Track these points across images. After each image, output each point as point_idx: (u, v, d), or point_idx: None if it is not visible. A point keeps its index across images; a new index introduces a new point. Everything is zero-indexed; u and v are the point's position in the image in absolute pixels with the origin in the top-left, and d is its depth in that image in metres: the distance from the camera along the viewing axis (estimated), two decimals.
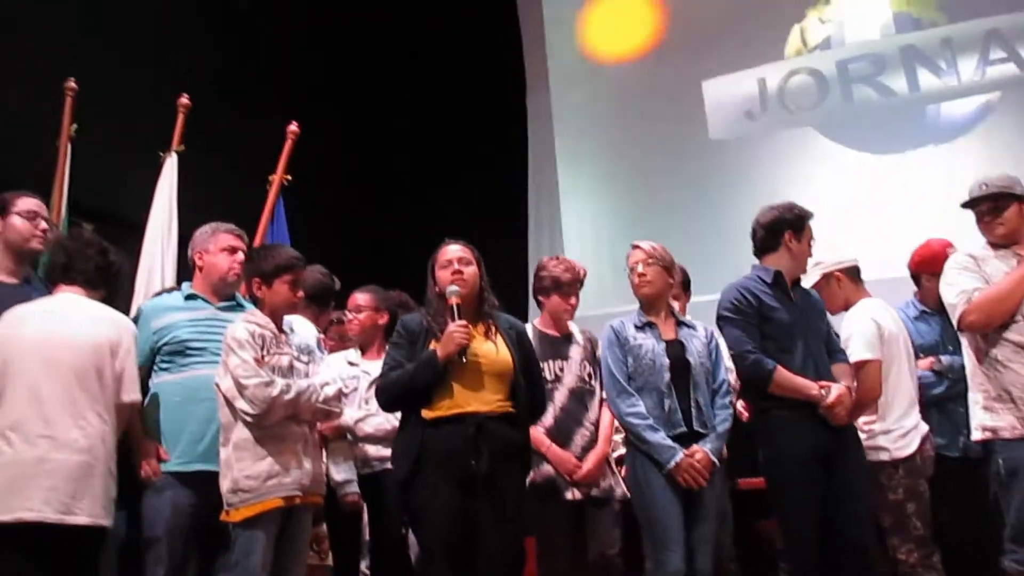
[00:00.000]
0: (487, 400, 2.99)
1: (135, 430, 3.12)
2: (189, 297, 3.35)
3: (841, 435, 3.19)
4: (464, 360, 2.96)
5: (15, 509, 2.74)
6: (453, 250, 3.16)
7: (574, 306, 3.64)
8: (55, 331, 2.93)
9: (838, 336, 3.45)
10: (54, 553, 2.79)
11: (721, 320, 3.33)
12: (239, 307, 3.35)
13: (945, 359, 3.74)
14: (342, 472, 3.61)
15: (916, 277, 3.97)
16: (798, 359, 3.22)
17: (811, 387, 3.16)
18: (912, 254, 3.98)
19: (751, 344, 3.22)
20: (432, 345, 3.03)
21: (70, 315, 2.99)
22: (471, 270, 3.13)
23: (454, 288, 3.05)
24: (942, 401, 3.72)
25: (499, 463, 2.93)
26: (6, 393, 2.86)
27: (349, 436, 3.64)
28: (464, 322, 2.99)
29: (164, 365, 3.23)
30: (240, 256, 3.34)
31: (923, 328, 3.88)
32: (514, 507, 2.98)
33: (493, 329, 3.11)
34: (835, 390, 3.15)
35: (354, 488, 3.61)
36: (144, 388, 3.17)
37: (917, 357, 3.71)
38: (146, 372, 3.21)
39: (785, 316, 3.27)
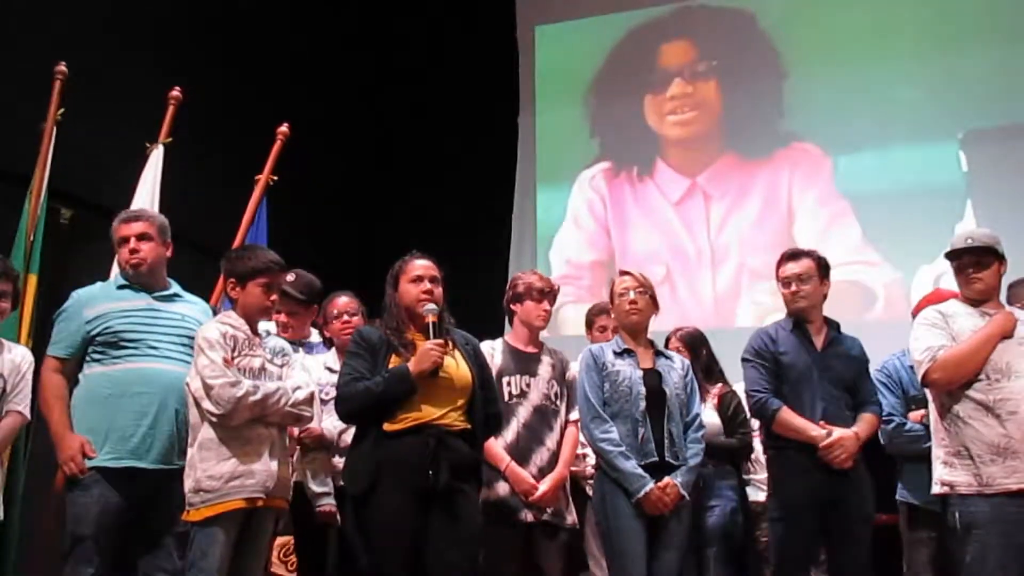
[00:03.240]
0: (448, 415, 2.98)
1: (58, 424, 3.03)
2: (122, 287, 3.19)
3: (844, 480, 3.26)
4: (437, 378, 2.94)
5: None
6: (424, 265, 3.12)
7: (547, 312, 3.59)
8: None
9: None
10: None
11: (743, 362, 3.48)
12: (177, 297, 3.25)
13: None
14: (320, 484, 3.53)
15: None
16: (805, 403, 3.34)
17: (810, 428, 3.27)
18: (919, 301, 4.00)
19: (761, 385, 3.38)
20: (393, 359, 3.00)
21: None
22: (439, 289, 3.11)
23: (432, 306, 3.03)
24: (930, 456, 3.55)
25: (456, 479, 2.92)
26: None
27: (330, 448, 3.57)
28: (441, 341, 2.98)
29: (96, 356, 3.08)
30: (133, 244, 3.17)
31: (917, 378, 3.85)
32: (469, 526, 2.94)
33: (451, 344, 3.08)
34: (836, 433, 3.24)
35: (330, 500, 3.53)
36: (75, 379, 3.09)
37: (910, 408, 3.69)
38: (77, 363, 3.10)
39: (798, 361, 3.38)
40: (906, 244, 5.79)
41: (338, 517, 3.52)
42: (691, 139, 6.66)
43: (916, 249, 5.72)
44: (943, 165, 5.87)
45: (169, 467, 3.04)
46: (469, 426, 3.02)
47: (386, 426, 2.94)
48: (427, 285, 3.07)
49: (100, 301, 3.13)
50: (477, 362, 3.13)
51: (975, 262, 3.17)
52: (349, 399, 2.99)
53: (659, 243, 6.50)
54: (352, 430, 3.38)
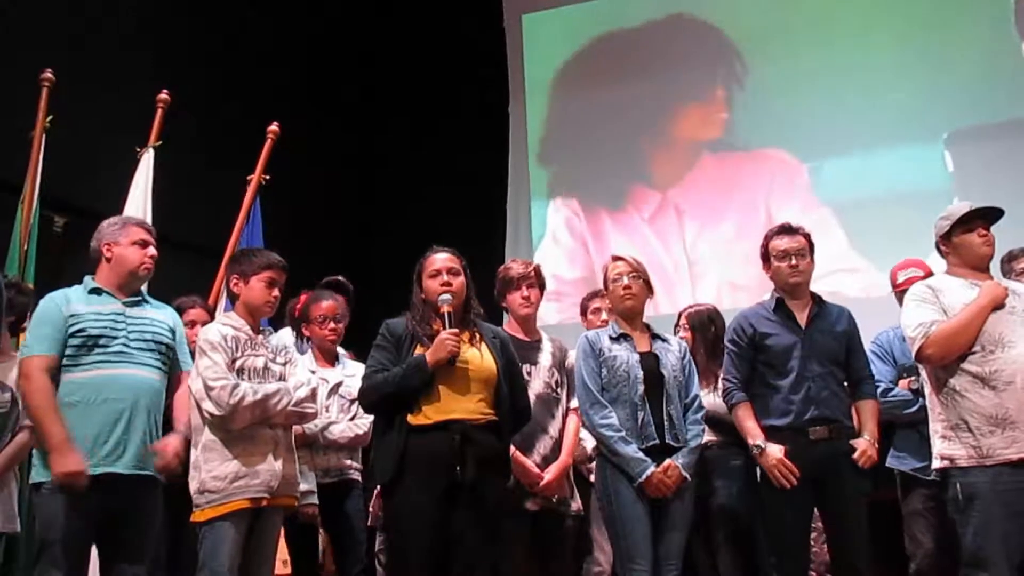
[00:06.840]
0: (472, 408, 2.98)
1: (59, 433, 2.91)
2: (93, 291, 3.11)
3: (833, 459, 3.25)
4: (453, 365, 2.96)
5: None
6: (442, 258, 3.14)
7: (529, 298, 3.56)
8: None
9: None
10: None
11: (725, 348, 3.50)
12: (144, 302, 3.21)
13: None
14: (305, 483, 3.51)
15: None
16: (788, 382, 3.31)
17: (752, 436, 3.29)
18: (895, 267, 4.04)
19: (731, 373, 3.40)
20: (417, 351, 3.02)
21: None
22: (459, 280, 3.11)
23: (446, 296, 3.04)
24: (920, 423, 3.59)
25: (483, 472, 2.92)
26: None
27: (313, 444, 3.59)
28: (456, 330, 2.99)
29: (67, 363, 2.99)
30: (152, 251, 3.18)
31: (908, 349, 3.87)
32: (495, 517, 2.96)
33: (478, 337, 3.11)
34: (771, 450, 3.22)
35: (314, 500, 3.54)
36: (57, 382, 3.01)
37: (901, 377, 3.75)
38: (58, 365, 2.99)
39: (783, 341, 3.36)
40: (892, 248, 5.69)
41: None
42: (664, 165, 6.64)
43: (902, 253, 5.70)
44: (929, 167, 5.83)
45: (143, 472, 3.00)
46: (496, 418, 3.02)
47: (410, 419, 2.96)
48: (445, 278, 3.09)
49: (73, 302, 3.07)
50: (505, 355, 3.13)
51: (987, 226, 3.18)
52: (370, 390, 3.04)
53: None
54: (336, 427, 3.57)
